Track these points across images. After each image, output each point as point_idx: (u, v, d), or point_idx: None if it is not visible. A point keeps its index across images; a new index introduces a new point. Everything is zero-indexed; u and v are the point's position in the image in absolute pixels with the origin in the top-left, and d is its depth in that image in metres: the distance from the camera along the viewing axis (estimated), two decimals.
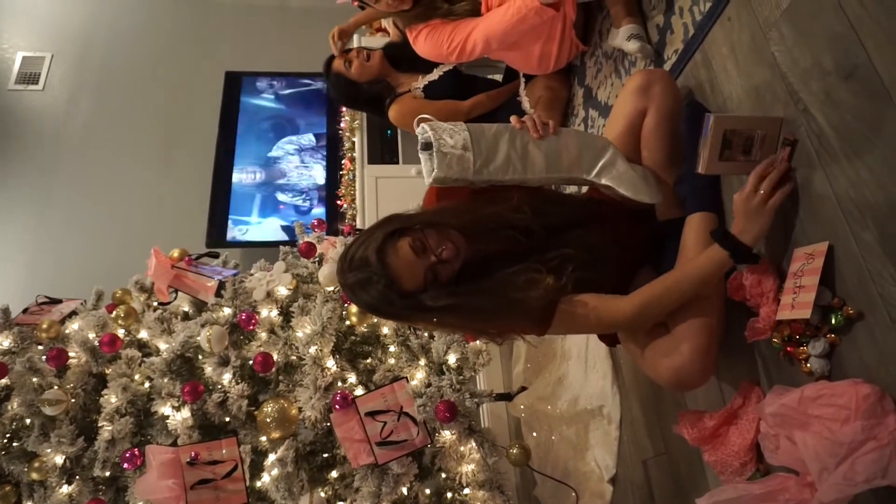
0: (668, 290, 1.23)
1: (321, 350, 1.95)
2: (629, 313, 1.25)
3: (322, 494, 1.92)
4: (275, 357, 1.98)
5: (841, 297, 1.05)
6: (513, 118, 1.35)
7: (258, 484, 1.97)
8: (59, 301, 2.44)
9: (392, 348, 2.08)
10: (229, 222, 3.96)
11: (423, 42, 2.10)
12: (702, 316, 1.23)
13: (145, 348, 2.18)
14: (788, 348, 1.14)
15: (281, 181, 4.22)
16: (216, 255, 2.48)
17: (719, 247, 1.18)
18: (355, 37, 3.79)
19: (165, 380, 1.98)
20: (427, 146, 1.32)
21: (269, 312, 2.12)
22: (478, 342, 2.00)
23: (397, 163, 3.61)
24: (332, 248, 2.27)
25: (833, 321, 1.05)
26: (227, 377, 1.95)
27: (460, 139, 1.31)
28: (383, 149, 3.65)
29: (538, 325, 1.30)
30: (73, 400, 2.03)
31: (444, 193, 1.42)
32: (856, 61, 1.03)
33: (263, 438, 1.95)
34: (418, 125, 1.38)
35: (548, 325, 1.29)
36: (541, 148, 1.34)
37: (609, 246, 1.39)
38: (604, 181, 1.36)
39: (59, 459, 1.96)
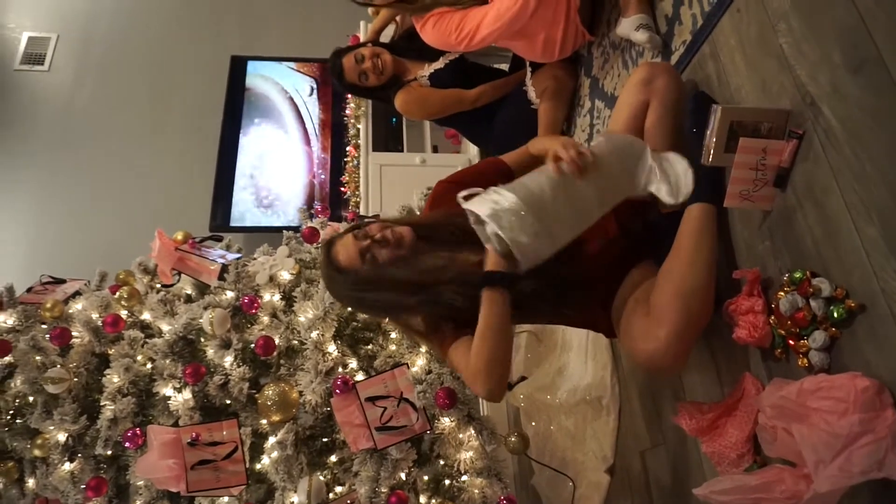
0: (481, 340, 1.26)
1: (323, 335, 1.96)
2: (471, 375, 1.29)
3: (321, 478, 1.93)
4: (276, 341, 1.99)
5: (843, 287, 1.05)
6: (551, 164, 1.24)
7: (258, 466, 1.99)
8: (63, 281, 2.45)
9: (393, 335, 2.09)
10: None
11: (431, 31, 2.08)
12: (681, 299, 1.23)
13: (148, 329, 2.20)
14: (789, 341, 1.14)
15: None
16: (220, 239, 2.48)
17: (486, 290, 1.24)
18: (361, 24, 3.78)
19: (167, 361, 1.99)
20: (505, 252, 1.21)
21: (271, 296, 2.13)
22: None
23: (402, 151, 3.62)
24: (334, 233, 2.28)
25: (835, 314, 1.05)
26: (228, 360, 1.96)
27: (528, 226, 1.15)
28: (388, 136, 3.65)
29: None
30: (75, 379, 2.04)
31: (438, 202, 1.50)
32: (865, 55, 1.02)
33: (264, 421, 1.96)
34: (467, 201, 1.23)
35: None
36: (588, 187, 1.24)
37: (576, 272, 1.38)
38: (651, 191, 1.31)
39: (61, 437, 1.98)
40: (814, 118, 1.13)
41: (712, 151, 1.25)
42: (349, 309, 2.01)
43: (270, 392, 1.91)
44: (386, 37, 2.76)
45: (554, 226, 1.19)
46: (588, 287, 1.44)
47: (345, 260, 1.38)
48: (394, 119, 3.68)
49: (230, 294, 2.11)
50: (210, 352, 1.98)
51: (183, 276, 2.28)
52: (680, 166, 1.31)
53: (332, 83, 2.59)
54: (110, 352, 2.09)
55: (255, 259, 2.28)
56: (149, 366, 2.05)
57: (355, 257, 1.37)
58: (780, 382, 1.09)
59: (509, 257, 1.21)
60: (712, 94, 1.44)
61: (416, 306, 1.39)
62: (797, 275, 1.12)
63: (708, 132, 1.27)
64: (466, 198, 1.22)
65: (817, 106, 1.12)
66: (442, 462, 1.95)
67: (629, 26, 1.77)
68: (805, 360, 1.11)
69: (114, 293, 2.24)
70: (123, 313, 2.19)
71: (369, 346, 2.09)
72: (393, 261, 1.36)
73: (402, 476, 1.89)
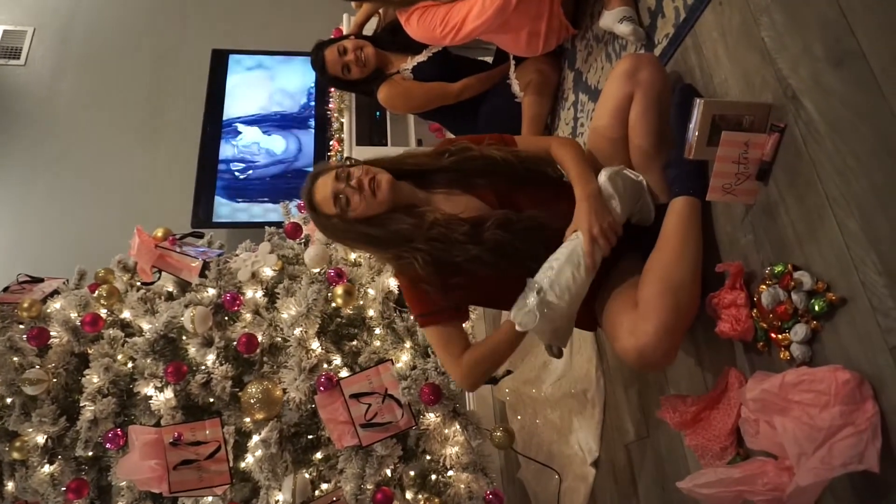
0: (491, 352, 1.43)
1: (306, 332, 1.94)
2: (459, 374, 1.44)
3: (306, 476, 1.92)
4: (259, 338, 1.97)
5: (824, 281, 1.06)
6: (586, 247, 1.31)
7: (242, 465, 1.97)
8: (41, 280, 2.41)
9: (377, 331, 2.08)
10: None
11: (416, 25, 2.06)
12: (668, 294, 1.23)
13: (128, 328, 2.17)
14: (771, 334, 1.14)
15: None
16: (201, 235, 2.45)
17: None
18: (344, 17, 3.74)
19: (148, 360, 1.97)
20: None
21: (253, 293, 2.10)
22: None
23: (386, 144, 3.58)
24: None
25: (816, 308, 1.05)
26: (210, 358, 1.94)
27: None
28: (372, 130, 3.62)
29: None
30: (54, 379, 2.01)
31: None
32: (846, 48, 1.02)
33: (247, 420, 1.95)
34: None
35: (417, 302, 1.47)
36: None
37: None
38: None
39: (40, 439, 1.95)
40: (795, 111, 1.13)
41: (694, 145, 1.25)
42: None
43: (254, 390, 1.89)
44: (369, 29, 2.73)
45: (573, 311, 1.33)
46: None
47: (321, 199, 1.40)
48: (378, 113, 3.65)
49: (212, 291, 2.09)
50: (192, 350, 1.96)
51: (164, 273, 2.25)
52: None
53: (315, 76, 2.56)
54: (90, 351, 2.06)
55: (237, 255, 2.26)
56: (129, 365, 2.03)
57: (329, 198, 1.38)
58: (763, 375, 1.09)
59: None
60: (695, 87, 1.44)
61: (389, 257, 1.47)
62: (779, 268, 1.12)
63: (690, 126, 1.27)
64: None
65: (799, 99, 1.12)
66: (428, 457, 1.95)
67: (612, 19, 1.76)
68: (787, 353, 1.12)
69: (93, 292, 2.20)
70: (103, 312, 2.15)
71: (353, 343, 2.08)
72: (363, 216, 1.38)
73: (388, 472, 1.89)
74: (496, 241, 1.36)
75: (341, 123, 3.60)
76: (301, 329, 1.93)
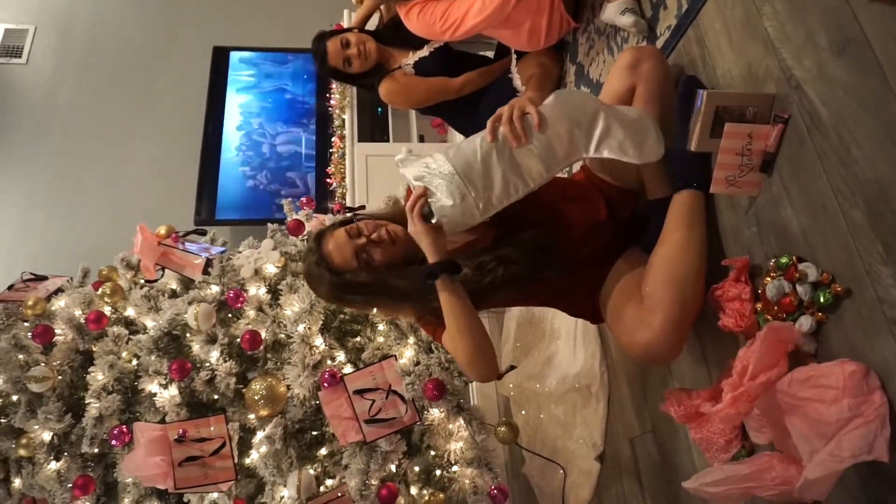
0: (450, 337, 1.31)
1: (309, 328, 1.94)
2: (462, 366, 1.35)
3: (311, 471, 1.92)
4: (263, 335, 1.97)
5: (829, 272, 1.05)
6: (487, 135, 1.24)
7: (246, 461, 1.98)
8: (45, 278, 2.42)
9: (381, 327, 2.07)
10: None
11: (416, 19, 2.06)
12: (674, 287, 1.23)
13: (132, 326, 2.17)
14: None
15: None
16: (203, 233, 2.45)
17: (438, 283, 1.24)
18: (345, 12, 3.73)
19: (153, 357, 1.97)
20: (429, 216, 1.22)
21: (257, 290, 2.10)
22: None
23: (388, 141, 3.59)
24: (321, 227, 2.26)
25: (822, 299, 1.04)
26: (214, 355, 1.94)
27: (455, 189, 1.19)
28: (374, 126, 3.61)
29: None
30: (59, 377, 2.02)
31: None
32: (849, 36, 1.01)
33: (252, 416, 1.95)
34: (401, 165, 1.25)
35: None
36: (533, 152, 1.23)
37: (563, 246, 1.38)
38: (605, 155, 1.25)
39: (46, 436, 1.96)
40: (799, 102, 1.12)
41: (698, 138, 1.24)
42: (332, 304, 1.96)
43: (258, 386, 1.89)
44: (370, 25, 2.72)
45: (483, 190, 1.20)
46: (575, 266, 1.43)
47: (339, 260, 1.33)
48: (379, 109, 3.64)
49: (215, 288, 2.09)
50: (196, 347, 1.96)
51: (167, 270, 2.25)
52: (644, 123, 1.27)
53: (315, 68, 2.55)
54: (94, 349, 2.07)
55: (240, 252, 2.25)
56: (134, 362, 2.03)
57: (350, 258, 1.33)
58: None
59: (437, 223, 1.22)
60: (698, 79, 1.43)
61: (408, 307, 1.41)
62: (783, 260, 1.12)
63: (693, 118, 1.26)
64: (404, 161, 1.26)
65: (802, 89, 1.11)
66: (432, 453, 1.95)
67: (614, 10, 1.75)
68: None
69: (97, 289, 2.21)
70: (107, 310, 2.16)
71: (357, 339, 2.07)
72: (387, 262, 1.34)
73: (393, 468, 1.89)
74: (514, 274, 1.32)
75: (343, 120, 3.60)
76: (304, 325, 1.93)
